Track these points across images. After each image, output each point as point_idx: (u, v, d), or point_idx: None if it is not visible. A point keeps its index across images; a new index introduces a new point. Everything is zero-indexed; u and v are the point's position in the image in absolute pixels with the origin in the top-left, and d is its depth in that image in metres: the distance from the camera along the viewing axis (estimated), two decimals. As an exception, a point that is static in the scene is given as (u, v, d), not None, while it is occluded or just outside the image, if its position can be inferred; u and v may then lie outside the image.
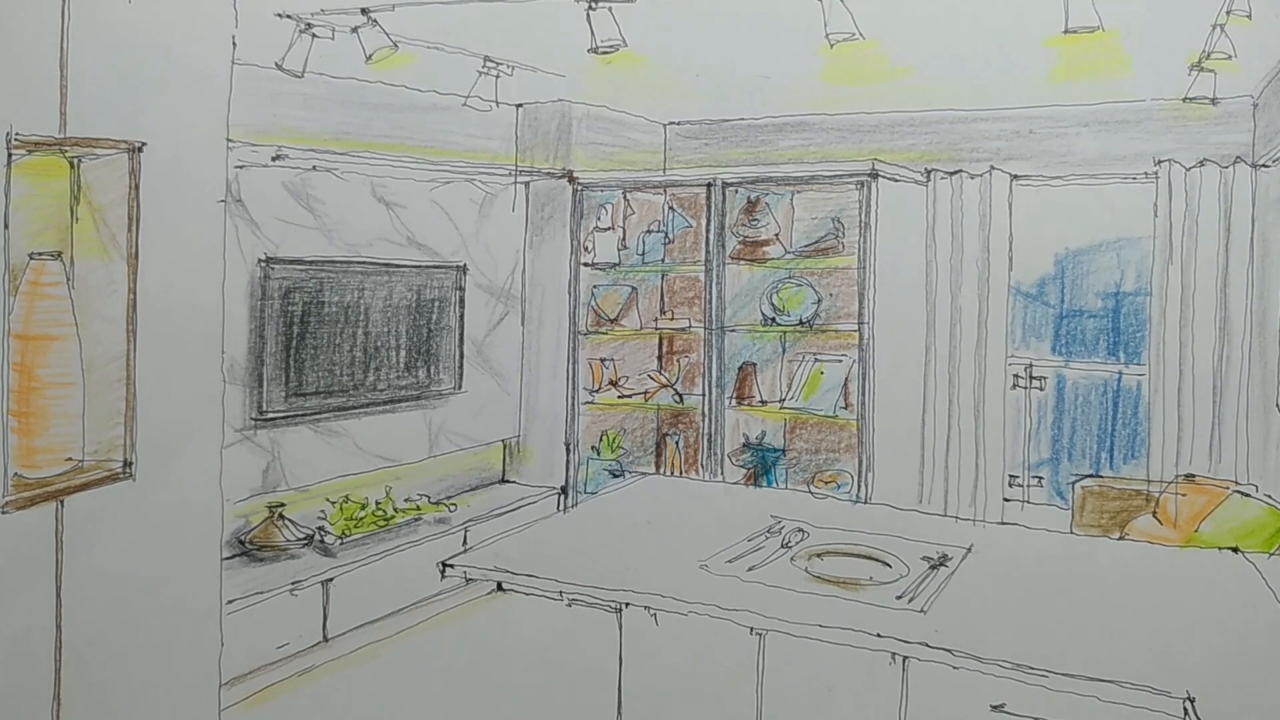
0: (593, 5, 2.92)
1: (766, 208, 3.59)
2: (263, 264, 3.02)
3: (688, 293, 3.78)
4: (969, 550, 2.58)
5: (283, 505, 3.06)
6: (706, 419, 3.61)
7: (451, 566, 2.53)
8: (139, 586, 2.35)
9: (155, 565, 2.37)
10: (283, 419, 3.11)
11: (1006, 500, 3.25)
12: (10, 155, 2.07)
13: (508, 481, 3.79)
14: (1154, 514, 3.01)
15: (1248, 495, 2.90)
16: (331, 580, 3.00)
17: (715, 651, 2.53)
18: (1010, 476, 3.25)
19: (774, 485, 3.57)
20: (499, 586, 2.63)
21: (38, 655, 2.23)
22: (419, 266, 3.46)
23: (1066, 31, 2.72)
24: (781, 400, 3.59)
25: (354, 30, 2.98)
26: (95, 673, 2.31)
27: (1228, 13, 2.67)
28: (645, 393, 3.75)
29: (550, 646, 2.84)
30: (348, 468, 3.29)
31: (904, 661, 2.28)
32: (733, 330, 3.61)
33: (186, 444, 2.39)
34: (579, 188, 3.71)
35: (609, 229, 3.75)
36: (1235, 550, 2.60)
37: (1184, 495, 2.98)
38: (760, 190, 3.57)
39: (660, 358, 3.84)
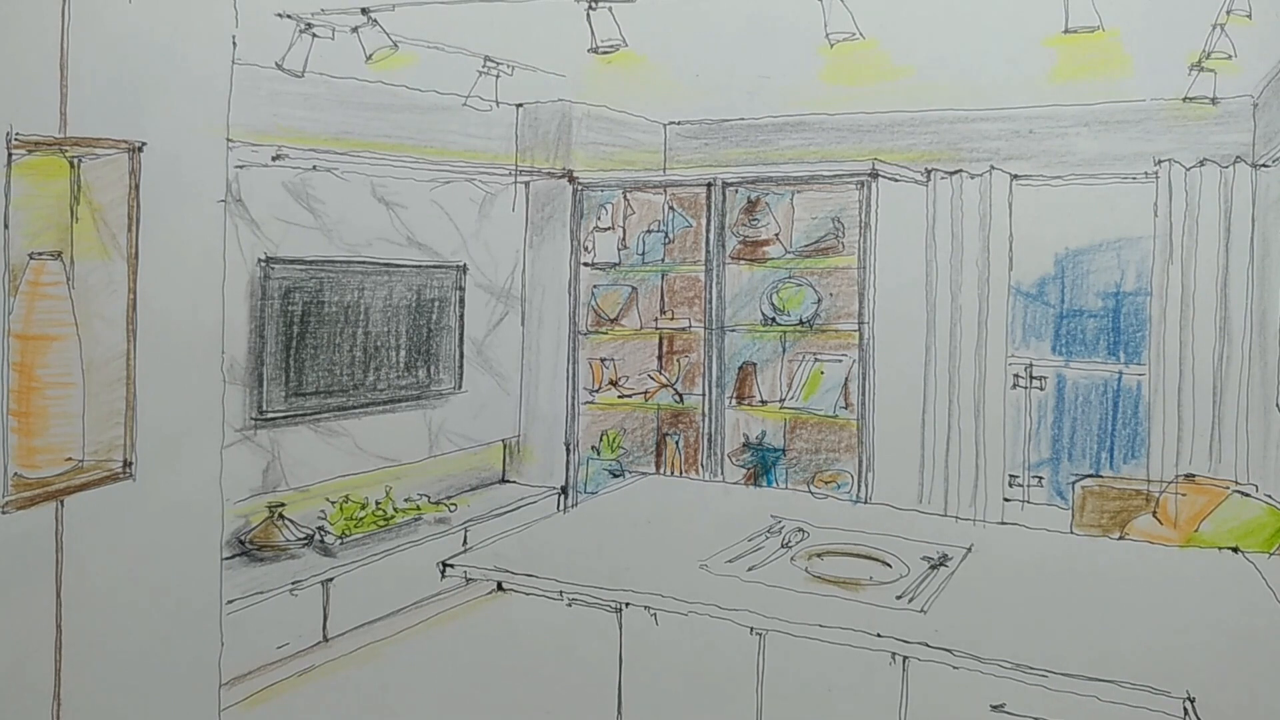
0: (593, 5, 2.92)
1: (766, 207, 3.59)
2: (263, 264, 3.02)
3: (688, 293, 3.78)
4: (969, 550, 2.58)
5: (283, 505, 3.06)
6: (706, 419, 3.61)
7: (452, 566, 2.53)
8: (139, 586, 2.35)
9: (155, 565, 2.37)
10: (283, 419, 3.11)
11: (1006, 500, 3.25)
12: (10, 155, 2.07)
13: (508, 481, 3.79)
14: (1154, 514, 3.01)
15: (1248, 495, 2.90)
16: (331, 580, 3.00)
17: (715, 651, 2.53)
18: (1010, 476, 3.25)
19: (774, 485, 3.57)
20: (499, 586, 2.62)
21: (38, 655, 2.23)
22: (419, 266, 3.46)
23: (1066, 31, 2.72)
24: (781, 400, 3.59)
25: (354, 30, 2.98)
26: (95, 673, 2.31)
27: (1228, 12, 2.67)
28: (645, 393, 3.75)
29: (550, 646, 2.84)
30: (348, 468, 3.29)
31: (904, 661, 2.28)
32: (733, 330, 3.61)
33: (186, 444, 2.39)
34: (579, 188, 3.71)
35: (609, 229, 3.75)
36: (1235, 550, 2.60)
37: (1184, 495, 2.98)
38: (760, 190, 3.57)
39: (660, 357, 3.84)
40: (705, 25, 3.15)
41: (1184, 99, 2.97)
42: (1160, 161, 3.07)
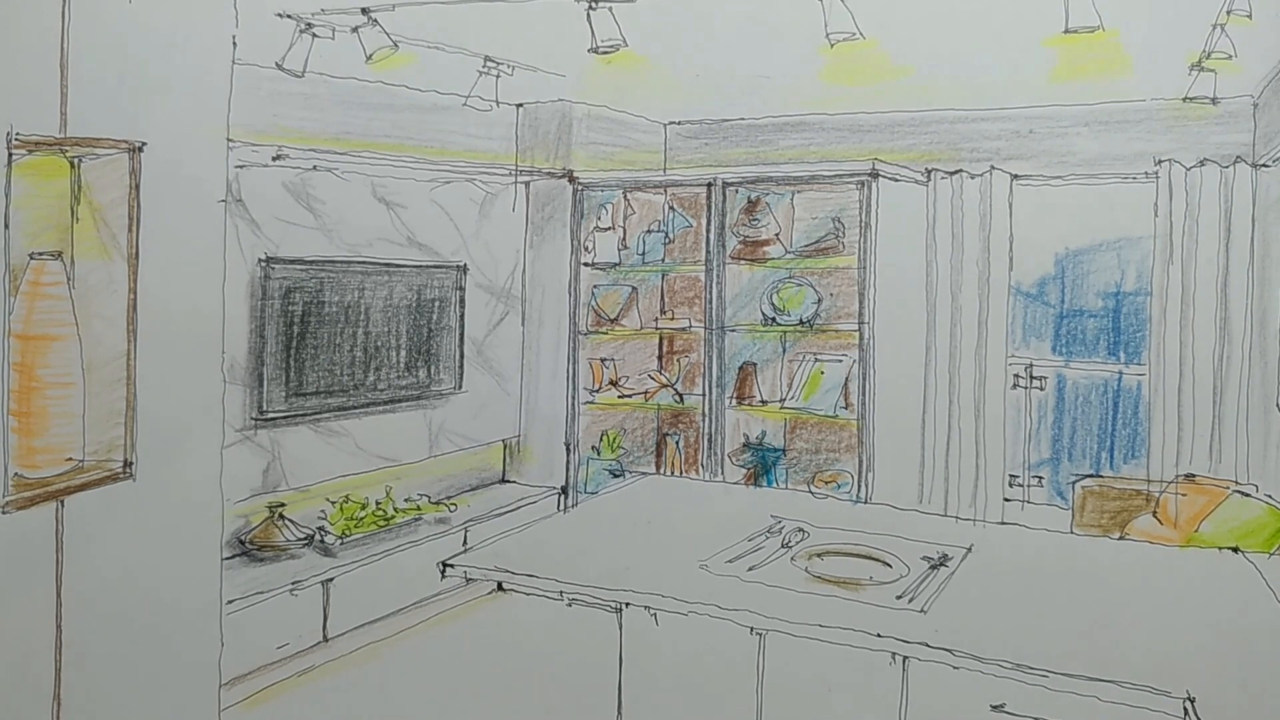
0: (593, 5, 2.92)
1: (767, 207, 3.59)
2: (263, 264, 3.02)
3: (688, 292, 3.78)
4: (969, 550, 2.58)
5: (283, 505, 3.06)
6: (707, 419, 3.61)
7: (452, 566, 2.53)
8: (139, 586, 2.35)
9: (155, 565, 2.37)
10: (283, 419, 3.11)
11: (1007, 500, 3.25)
12: (11, 155, 2.07)
13: (508, 481, 3.79)
14: (1154, 514, 3.01)
15: (1248, 495, 2.90)
16: (331, 580, 3.00)
17: (715, 651, 2.53)
18: (1010, 476, 3.25)
19: (774, 485, 3.57)
20: (499, 586, 2.63)
21: (38, 655, 2.23)
22: (419, 266, 3.46)
23: (1066, 31, 2.72)
24: (782, 400, 3.59)
25: (354, 30, 2.98)
26: (95, 673, 2.31)
27: (1228, 13, 2.67)
28: (645, 393, 3.75)
29: (550, 646, 2.84)
30: (348, 468, 3.29)
31: (904, 661, 2.28)
32: (733, 330, 3.61)
33: (186, 444, 2.39)
34: (579, 188, 3.71)
35: (609, 229, 3.75)
36: (1235, 550, 2.60)
37: (1184, 495, 2.98)
38: (760, 190, 3.57)
39: (660, 357, 3.84)
40: (705, 25, 3.15)
41: (1184, 99, 2.97)
42: (1160, 161, 3.07)
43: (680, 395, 3.74)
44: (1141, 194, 3.08)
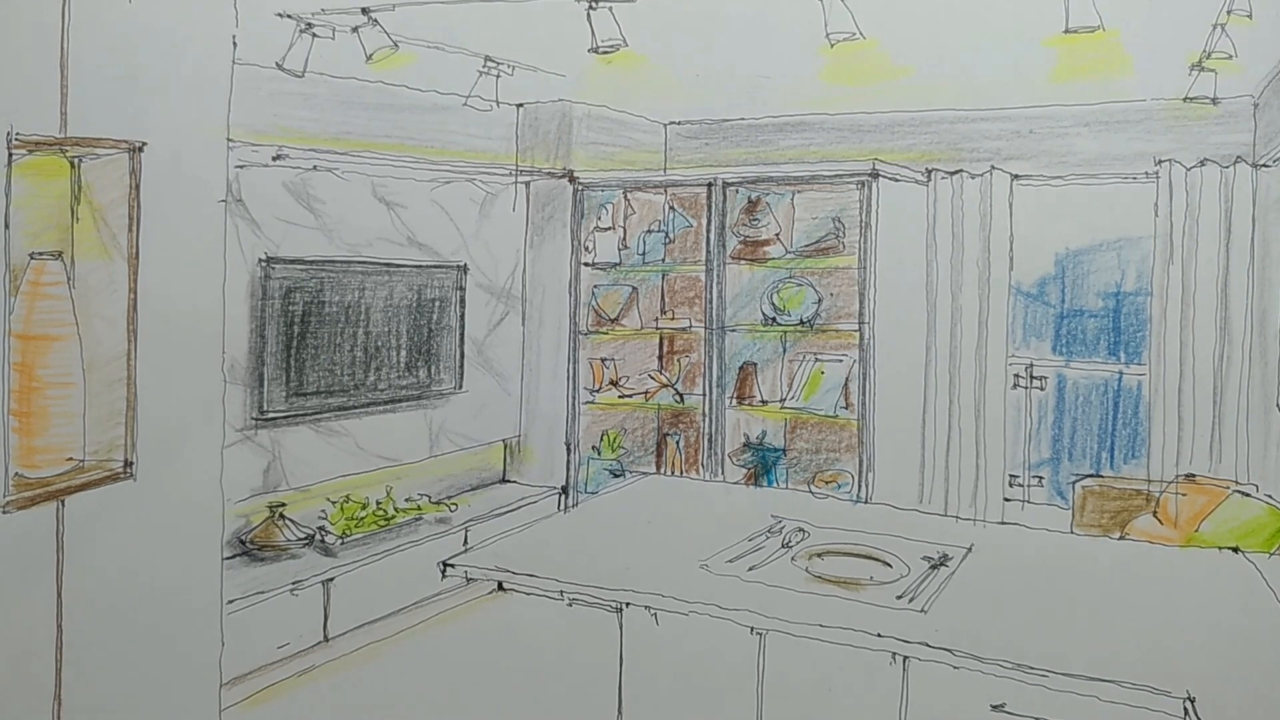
0: (593, 5, 2.92)
1: (767, 207, 3.59)
2: (263, 264, 3.02)
3: (688, 292, 3.78)
4: (969, 550, 2.58)
5: (283, 505, 3.06)
6: (707, 419, 3.61)
7: (452, 566, 2.53)
8: (139, 586, 2.35)
9: (155, 565, 2.38)
10: (283, 419, 3.11)
11: (1007, 500, 3.25)
12: (11, 155, 2.07)
13: (508, 481, 3.80)
14: (1154, 514, 3.01)
15: (1248, 495, 2.90)
16: (332, 580, 3.00)
17: (715, 651, 2.53)
18: (1010, 476, 3.25)
19: (774, 485, 3.57)
20: (499, 586, 2.63)
21: (38, 655, 2.23)
22: (419, 266, 3.46)
23: (1066, 31, 2.72)
24: (782, 400, 3.59)
25: (354, 30, 2.99)
26: (95, 673, 2.31)
27: (1228, 12, 2.67)
28: (646, 392, 3.75)
29: (550, 646, 2.84)
30: (348, 467, 3.29)
31: (904, 661, 2.28)
32: (733, 330, 3.61)
33: (187, 444, 2.39)
34: (579, 188, 3.72)
35: (609, 229, 3.75)
36: (1235, 550, 2.60)
37: (1184, 495, 2.98)
38: (761, 190, 3.57)
39: (661, 357, 3.84)
40: (705, 25, 3.15)
41: (1184, 99, 2.97)
42: (1161, 161, 3.07)
43: (680, 395, 3.74)
44: (1141, 194, 3.08)
